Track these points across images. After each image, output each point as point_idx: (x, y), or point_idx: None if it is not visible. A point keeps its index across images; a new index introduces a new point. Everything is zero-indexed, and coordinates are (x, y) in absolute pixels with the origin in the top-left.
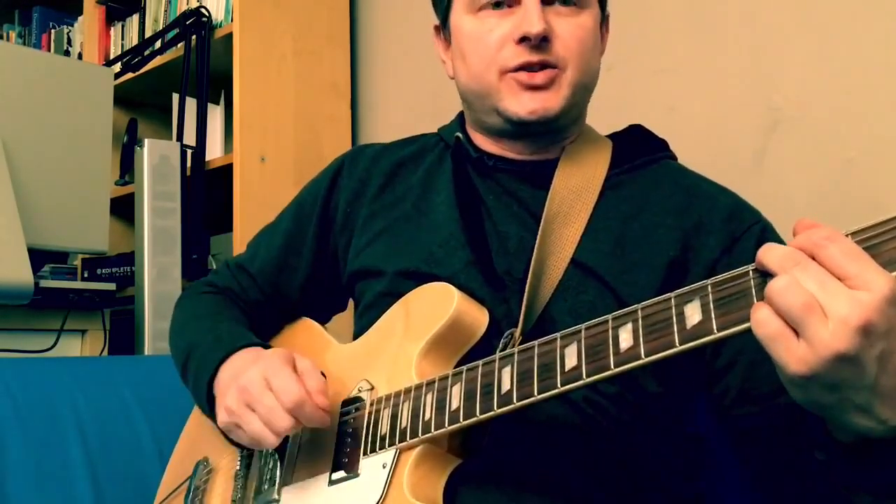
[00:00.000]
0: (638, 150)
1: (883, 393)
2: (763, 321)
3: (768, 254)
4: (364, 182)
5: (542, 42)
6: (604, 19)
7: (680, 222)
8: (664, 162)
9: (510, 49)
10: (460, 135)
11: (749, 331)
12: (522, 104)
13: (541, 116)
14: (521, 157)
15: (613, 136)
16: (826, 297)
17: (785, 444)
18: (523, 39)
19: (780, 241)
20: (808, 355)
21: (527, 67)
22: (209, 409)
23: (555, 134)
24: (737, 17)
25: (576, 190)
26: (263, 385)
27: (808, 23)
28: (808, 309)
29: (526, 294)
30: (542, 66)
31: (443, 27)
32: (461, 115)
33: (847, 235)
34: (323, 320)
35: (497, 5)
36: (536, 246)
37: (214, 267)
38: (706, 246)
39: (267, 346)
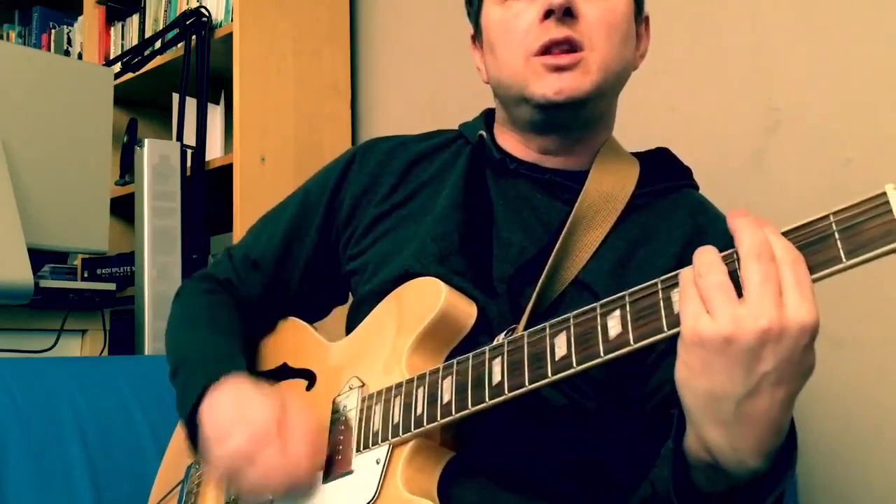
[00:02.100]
0: (663, 175)
1: (748, 417)
2: (688, 279)
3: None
4: (375, 178)
5: (565, 17)
6: (640, 18)
7: (681, 251)
8: (685, 190)
9: (535, 31)
10: (484, 133)
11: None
12: (549, 85)
13: (568, 97)
14: (544, 163)
15: (639, 157)
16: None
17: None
18: (548, 14)
19: None
20: (711, 324)
21: (551, 47)
22: (189, 434)
23: (583, 128)
24: (737, 17)
25: (607, 195)
26: (248, 461)
27: (808, 23)
28: (722, 288)
29: (533, 299)
30: (568, 44)
31: (476, 31)
32: (487, 114)
33: (827, 216)
34: (322, 313)
35: None
36: (559, 243)
37: (215, 258)
38: None
39: (250, 370)
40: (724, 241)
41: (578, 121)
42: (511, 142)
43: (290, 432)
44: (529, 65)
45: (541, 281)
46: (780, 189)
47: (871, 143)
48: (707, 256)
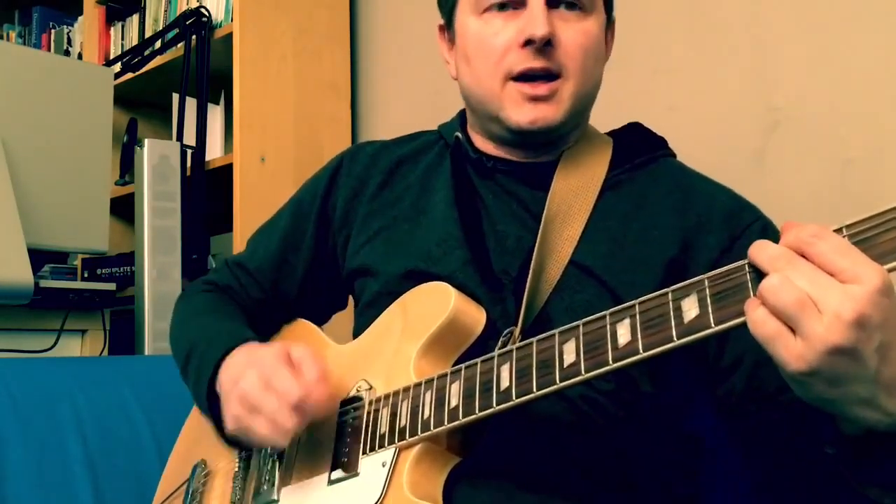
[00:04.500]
0: (637, 148)
1: (886, 384)
2: (759, 321)
3: (759, 253)
4: (363, 180)
5: (545, 46)
6: (609, 24)
7: (679, 222)
8: (663, 160)
9: (514, 54)
10: (459, 134)
11: (744, 324)
12: (524, 114)
13: (541, 127)
14: (520, 160)
15: (613, 135)
16: (818, 293)
17: (792, 440)
18: (528, 43)
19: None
20: (805, 352)
21: (529, 75)
22: (208, 410)
23: (555, 142)
24: (737, 17)
25: (575, 190)
26: (263, 388)
27: (808, 23)
28: (802, 305)
29: (526, 293)
30: (545, 73)
31: (447, 27)
32: (462, 114)
33: (840, 229)
34: (322, 319)
35: (502, 7)
36: (536, 245)
37: (214, 267)
38: (706, 245)
39: (262, 341)
40: (710, 196)
41: (550, 140)
42: (484, 142)
43: (300, 362)
44: (506, 89)
45: (529, 278)
46: (780, 189)
47: (871, 143)
48: (809, 229)
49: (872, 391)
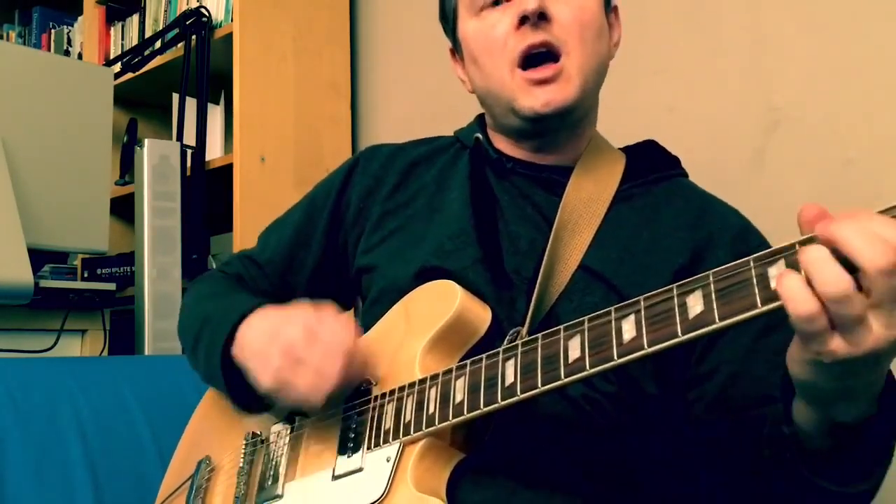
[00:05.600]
0: (651, 166)
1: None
2: (810, 316)
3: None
4: (378, 179)
5: (540, 21)
6: (610, 8)
7: (690, 234)
8: (676, 179)
9: (513, 38)
10: (480, 136)
11: (749, 320)
12: (535, 98)
13: (555, 108)
14: (538, 161)
15: (627, 150)
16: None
17: (749, 451)
18: (522, 21)
19: None
20: (844, 348)
21: (533, 60)
22: (222, 378)
23: (571, 129)
24: (737, 17)
25: (586, 201)
26: (308, 339)
27: (808, 23)
28: (859, 320)
29: (535, 294)
30: (545, 48)
31: (455, 46)
32: (480, 118)
33: (879, 213)
34: None
35: (496, 2)
36: (547, 250)
37: (214, 267)
38: (716, 258)
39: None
40: (722, 216)
41: (566, 124)
42: (504, 144)
43: (323, 334)
44: (515, 78)
45: (539, 280)
46: (780, 189)
47: (871, 143)
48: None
49: (864, 388)
